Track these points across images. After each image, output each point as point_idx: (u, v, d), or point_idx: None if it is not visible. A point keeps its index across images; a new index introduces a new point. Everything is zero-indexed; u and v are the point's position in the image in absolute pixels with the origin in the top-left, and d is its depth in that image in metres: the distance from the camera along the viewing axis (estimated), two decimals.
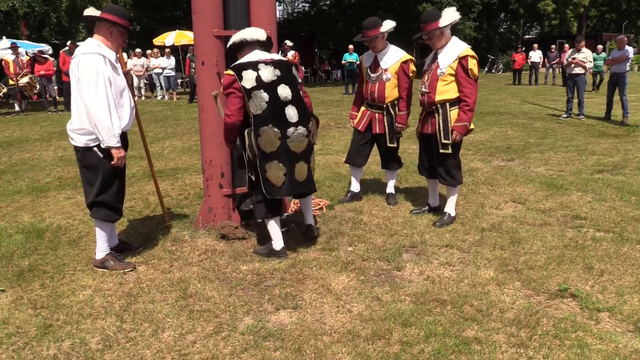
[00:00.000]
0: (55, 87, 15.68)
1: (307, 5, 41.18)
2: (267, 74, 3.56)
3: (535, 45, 22.40)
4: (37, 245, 4.13)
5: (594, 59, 15.19)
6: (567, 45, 19.59)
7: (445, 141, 4.23)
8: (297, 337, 2.72)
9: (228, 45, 3.79)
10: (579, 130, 9.55)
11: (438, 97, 4.22)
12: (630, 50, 10.58)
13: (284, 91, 3.60)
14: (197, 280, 3.43)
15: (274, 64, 3.63)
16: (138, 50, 18.77)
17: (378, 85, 4.75)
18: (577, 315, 2.92)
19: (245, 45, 3.68)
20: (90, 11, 3.46)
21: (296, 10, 46.08)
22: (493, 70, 32.28)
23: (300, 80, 3.83)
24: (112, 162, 3.43)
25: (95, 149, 3.42)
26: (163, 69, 17.63)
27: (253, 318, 2.94)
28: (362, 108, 5.00)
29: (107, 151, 3.41)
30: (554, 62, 21.18)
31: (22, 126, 11.53)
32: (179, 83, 21.26)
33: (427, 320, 2.86)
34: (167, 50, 18.08)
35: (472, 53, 4.15)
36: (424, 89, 4.33)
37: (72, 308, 3.09)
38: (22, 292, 3.31)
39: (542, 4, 32.47)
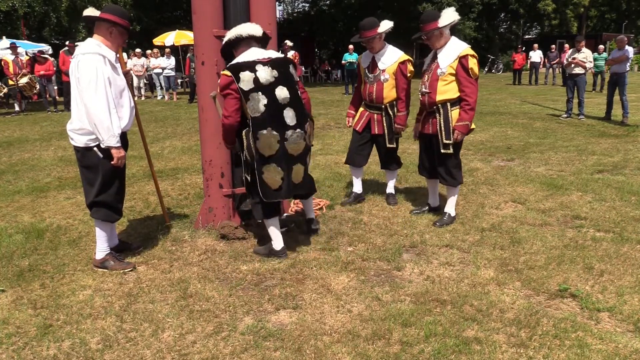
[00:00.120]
0: (55, 87, 15.69)
1: (307, 5, 41.22)
2: (265, 75, 3.52)
3: (536, 45, 22.42)
4: (37, 245, 4.13)
5: (596, 59, 15.22)
6: (567, 45, 19.59)
7: (447, 141, 4.23)
8: (297, 337, 2.72)
9: (223, 42, 3.73)
10: (579, 130, 9.55)
11: (439, 97, 4.22)
12: (630, 50, 10.60)
13: (282, 92, 3.56)
14: (197, 280, 3.43)
15: (272, 63, 3.58)
16: (138, 50, 18.78)
17: (376, 86, 4.75)
18: (577, 315, 2.92)
19: (241, 42, 3.63)
20: (90, 11, 3.45)
21: (296, 10, 46.10)
22: (493, 70, 32.29)
23: (297, 79, 3.80)
24: (112, 162, 3.43)
25: (95, 149, 3.42)
26: (163, 69, 17.63)
27: (253, 318, 2.94)
28: (361, 109, 4.99)
29: (107, 151, 3.41)
30: (554, 62, 21.20)
31: (22, 126, 11.53)
32: (179, 83, 21.27)
33: (427, 320, 2.86)
34: (167, 50, 18.09)
35: (472, 52, 4.15)
36: (424, 89, 4.32)
37: (72, 308, 3.09)
38: (22, 292, 3.31)
39: (542, 4, 32.48)
